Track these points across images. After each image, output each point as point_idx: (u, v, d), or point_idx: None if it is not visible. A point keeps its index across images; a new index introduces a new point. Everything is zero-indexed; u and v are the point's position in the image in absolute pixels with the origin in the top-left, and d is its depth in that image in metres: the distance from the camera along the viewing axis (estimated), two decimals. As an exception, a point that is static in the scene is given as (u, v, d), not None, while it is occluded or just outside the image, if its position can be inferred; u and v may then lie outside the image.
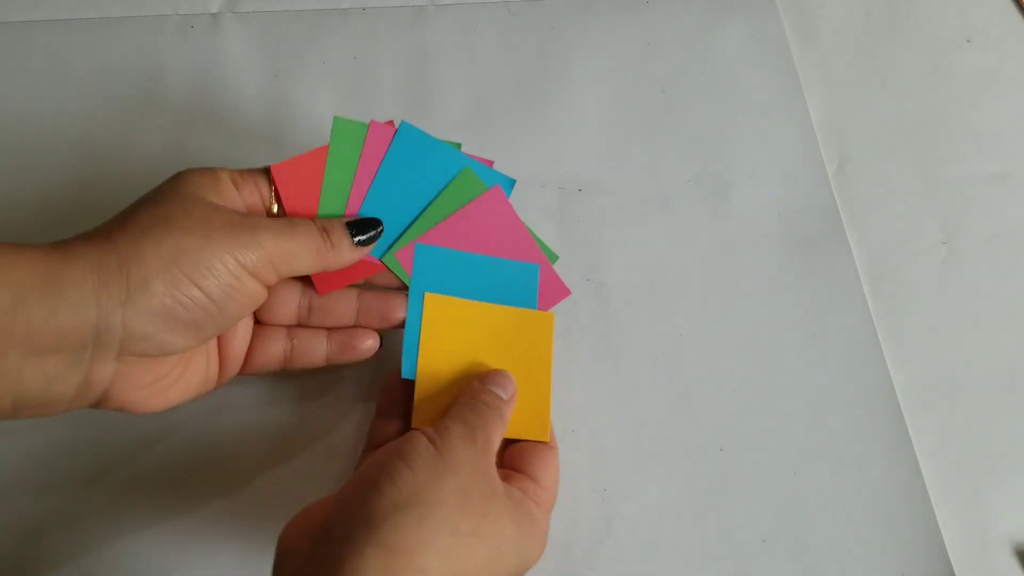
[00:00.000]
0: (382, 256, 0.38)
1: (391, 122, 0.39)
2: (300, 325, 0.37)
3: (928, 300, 0.46)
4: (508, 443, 0.37)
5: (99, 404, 0.31)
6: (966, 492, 0.41)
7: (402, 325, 0.37)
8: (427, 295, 0.38)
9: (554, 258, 0.40)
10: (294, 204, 0.36)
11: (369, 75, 0.50)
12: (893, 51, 0.53)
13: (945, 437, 0.42)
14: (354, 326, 0.38)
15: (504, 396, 0.35)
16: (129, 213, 0.31)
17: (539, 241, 0.40)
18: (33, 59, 0.49)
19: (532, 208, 0.47)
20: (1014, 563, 0.39)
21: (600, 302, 0.44)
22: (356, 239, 0.35)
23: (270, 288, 0.34)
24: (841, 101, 0.51)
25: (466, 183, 0.39)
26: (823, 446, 0.41)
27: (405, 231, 0.38)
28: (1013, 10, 0.54)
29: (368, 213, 0.38)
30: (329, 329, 0.38)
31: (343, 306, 0.38)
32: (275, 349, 0.37)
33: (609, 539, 0.39)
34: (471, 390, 0.35)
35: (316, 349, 0.37)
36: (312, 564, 0.27)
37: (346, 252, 0.35)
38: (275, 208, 0.36)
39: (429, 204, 0.39)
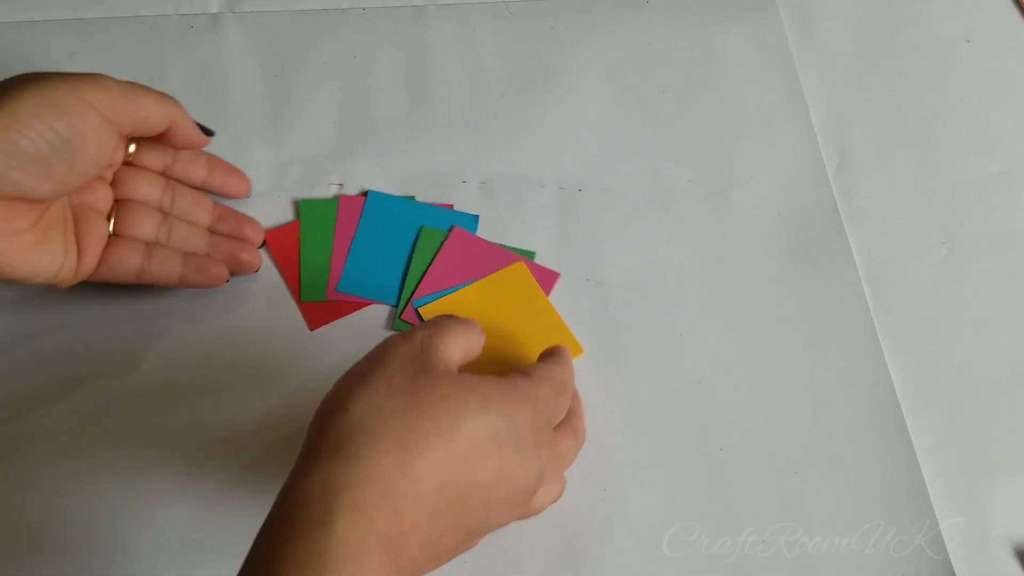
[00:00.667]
0: (393, 325, 0.43)
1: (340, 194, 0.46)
2: (158, 243, 0.41)
3: (928, 300, 0.46)
4: None
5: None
6: (966, 492, 0.41)
7: (249, 270, 0.43)
8: (421, 309, 0.42)
9: (531, 255, 0.45)
10: (286, 264, 0.44)
11: (369, 75, 0.50)
12: (893, 51, 0.53)
13: (945, 437, 0.42)
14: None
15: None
16: None
17: (513, 248, 0.45)
18: (33, 59, 0.49)
19: (532, 208, 0.47)
20: (1014, 563, 0.39)
21: (600, 302, 0.44)
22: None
23: (122, 143, 0.38)
24: (841, 101, 0.51)
25: (430, 237, 0.45)
26: (823, 446, 0.41)
27: (400, 295, 0.44)
28: (1013, 10, 0.54)
29: (352, 272, 0.44)
30: (185, 253, 0.41)
31: (197, 239, 0.42)
32: (132, 259, 0.40)
33: (609, 539, 0.39)
34: None
35: (172, 268, 0.40)
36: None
37: (189, 123, 0.40)
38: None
39: (408, 265, 0.44)
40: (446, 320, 0.34)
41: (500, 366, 0.39)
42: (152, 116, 0.38)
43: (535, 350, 0.39)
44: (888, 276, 0.46)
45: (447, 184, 0.47)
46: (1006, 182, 0.49)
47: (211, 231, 0.43)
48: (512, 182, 0.47)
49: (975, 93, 0.52)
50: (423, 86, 0.50)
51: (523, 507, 0.33)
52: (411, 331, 0.33)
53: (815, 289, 0.45)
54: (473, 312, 0.42)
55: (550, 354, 0.37)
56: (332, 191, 0.46)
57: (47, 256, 0.36)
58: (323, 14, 0.52)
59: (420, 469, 0.28)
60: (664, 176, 0.48)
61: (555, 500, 0.35)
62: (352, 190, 0.46)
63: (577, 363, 0.43)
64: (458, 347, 0.33)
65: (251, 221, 0.44)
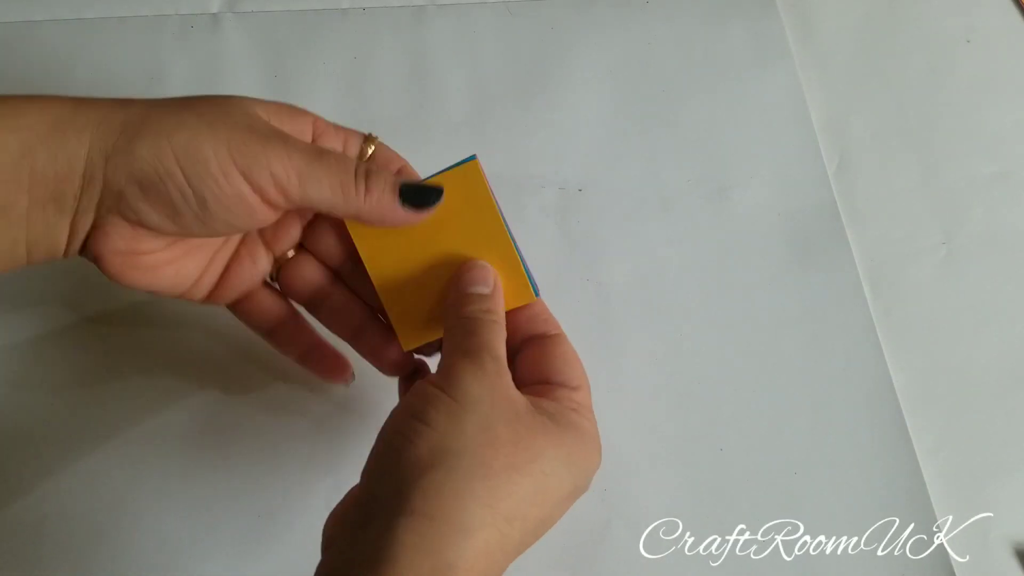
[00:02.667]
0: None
1: None
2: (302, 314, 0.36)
3: (928, 300, 0.46)
4: (514, 354, 0.33)
5: (84, 253, 0.31)
6: (966, 492, 0.41)
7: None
8: (347, 223, 0.33)
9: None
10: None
11: (369, 75, 0.50)
12: (893, 51, 0.53)
13: (945, 437, 0.42)
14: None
15: (487, 290, 0.32)
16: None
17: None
18: (33, 59, 0.49)
19: (532, 208, 0.47)
20: (1014, 563, 0.39)
21: (600, 302, 0.44)
22: (404, 203, 0.31)
23: (277, 211, 0.31)
24: (841, 101, 0.51)
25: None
26: (823, 446, 0.41)
27: None
28: (1013, 10, 0.54)
29: None
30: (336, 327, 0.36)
31: (339, 318, 0.36)
32: (271, 317, 0.36)
33: (609, 539, 0.39)
34: (453, 305, 0.32)
35: (295, 346, 0.36)
36: (354, 549, 0.26)
37: (385, 206, 0.31)
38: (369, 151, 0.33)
39: None
40: (494, 326, 0.31)
41: (431, 282, 0.34)
42: (320, 195, 0.30)
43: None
44: (888, 276, 0.46)
45: (447, 184, 0.47)
46: (1006, 182, 0.49)
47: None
48: (512, 182, 0.47)
49: (975, 93, 0.52)
50: (423, 86, 0.50)
51: None
52: (475, 354, 0.30)
53: (815, 289, 0.45)
54: (412, 231, 0.33)
55: (567, 375, 0.32)
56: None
57: (172, 278, 0.32)
58: (323, 14, 0.52)
59: (515, 539, 0.27)
60: (664, 176, 0.48)
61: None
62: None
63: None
64: (500, 343, 0.31)
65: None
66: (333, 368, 0.37)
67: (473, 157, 0.33)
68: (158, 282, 0.32)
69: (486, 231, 0.33)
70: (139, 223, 0.30)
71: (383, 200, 0.31)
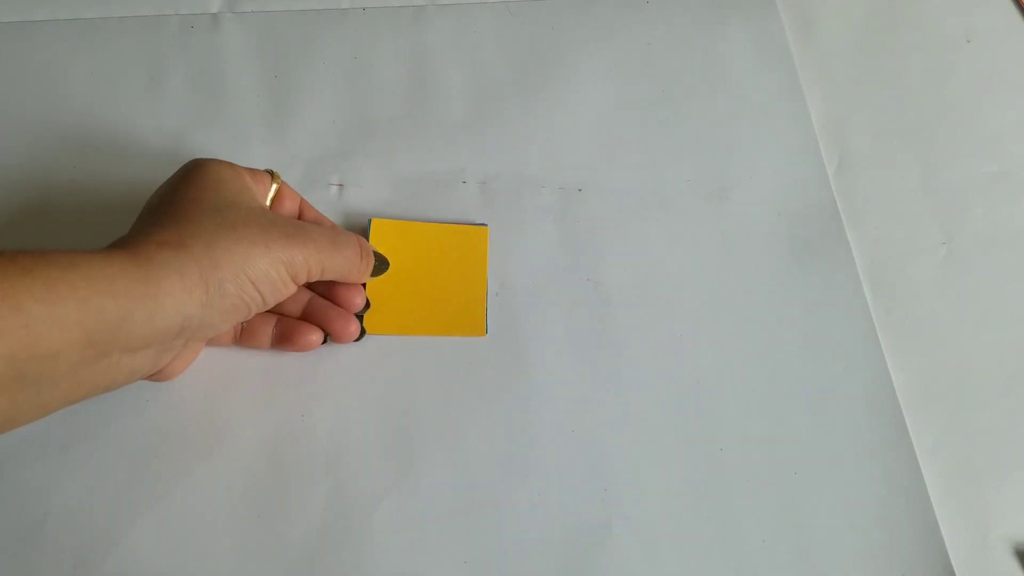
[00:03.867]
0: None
1: None
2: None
3: (928, 300, 0.46)
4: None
5: (150, 377, 0.36)
6: (966, 492, 0.41)
7: (343, 340, 0.41)
8: (373, 220, 0.44)
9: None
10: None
11: (369, 75, 0.50)
12: (893, 51, 0.53)
13: (945, 437, 0.42)
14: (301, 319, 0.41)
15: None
16: (192, 217, 0.35)
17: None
18: (33, 59, 0.49)
19: (532, 208, 0.47)
20: (1014, 563, 0.39)
21: (600, 302, 0.44)
22: (373, 274, 0.41)
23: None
24: (841, 101, 0.51)
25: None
26: (823, 446, 0.41)
27: None
28: (1013, 10, 0.54)
29: None
30: (279, 316, 0.41)
31: (293, 303, 0.41)
32: (231, 332, 0.41)
33: (609, 539, 0.39)
34: None
35: (262, 333, 0.41)
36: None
37: (364, 276, 0.41)
38: (267, 206, 0.40)
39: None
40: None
41: (410, 305, 0.43)
42: (331, 276, 0.39)
43: (448, 306, 0.43)
44: (888, 276, 0.46)
45: (447, 184, 0.47)
46: (1006, 182, 0.49)
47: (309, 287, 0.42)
48: (512, 182, 0.47)
49: (975, 93, 0.52)
50: (423, 86, 0.50)
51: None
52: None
53: (815, 289, 0.45)
54: (415, 247, 0.44)
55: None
56: (332, 192, 0.46)
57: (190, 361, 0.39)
58: (323, 14, 0.52)
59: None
60: (664, 176, 0.48)
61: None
62: (352, 190, 0.46)
63: (578, 363, 0.43)
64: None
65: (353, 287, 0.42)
66: (304, 335, 0.41)
67: (486, 224, 0.45)
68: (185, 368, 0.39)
69: (472, 277, 0.44)
70: (215, 334, 0.36)
71: (367, 271, 0.41)
